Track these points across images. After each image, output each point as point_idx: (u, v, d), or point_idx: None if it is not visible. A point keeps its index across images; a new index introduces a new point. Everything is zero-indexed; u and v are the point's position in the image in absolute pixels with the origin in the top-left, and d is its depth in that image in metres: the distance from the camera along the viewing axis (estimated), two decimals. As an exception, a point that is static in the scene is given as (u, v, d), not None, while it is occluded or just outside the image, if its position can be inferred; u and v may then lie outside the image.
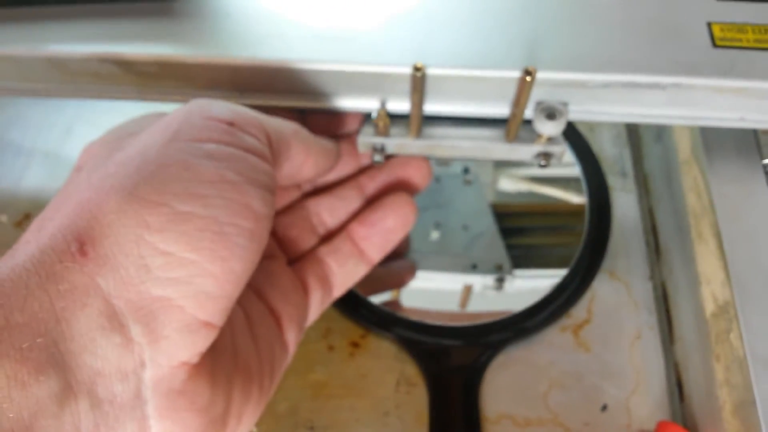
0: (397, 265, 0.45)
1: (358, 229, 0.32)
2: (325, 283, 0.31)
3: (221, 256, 0.20)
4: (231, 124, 0.23)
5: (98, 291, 0.19)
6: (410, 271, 0.45)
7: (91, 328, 0.19)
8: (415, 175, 0.34)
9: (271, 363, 0.26)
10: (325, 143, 0.30)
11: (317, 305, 0.31)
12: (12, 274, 0.19)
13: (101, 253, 0.19)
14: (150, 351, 0.20)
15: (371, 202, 0.33)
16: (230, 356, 0.23)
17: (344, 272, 0.32)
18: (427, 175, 0.34)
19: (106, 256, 0.19)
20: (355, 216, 0.33)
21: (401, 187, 0.34)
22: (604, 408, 0.44)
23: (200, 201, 0.20)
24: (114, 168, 0.21)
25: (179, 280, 0.20)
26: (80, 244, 0.19)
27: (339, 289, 0.32)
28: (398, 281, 0.45)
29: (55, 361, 0.18)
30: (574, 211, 0.50)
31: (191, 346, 0.20)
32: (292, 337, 0.28)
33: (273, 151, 0.24)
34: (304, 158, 0.28)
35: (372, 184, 0.34)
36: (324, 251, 0.32)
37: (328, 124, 0.34)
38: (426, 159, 0.34)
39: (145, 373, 0.20)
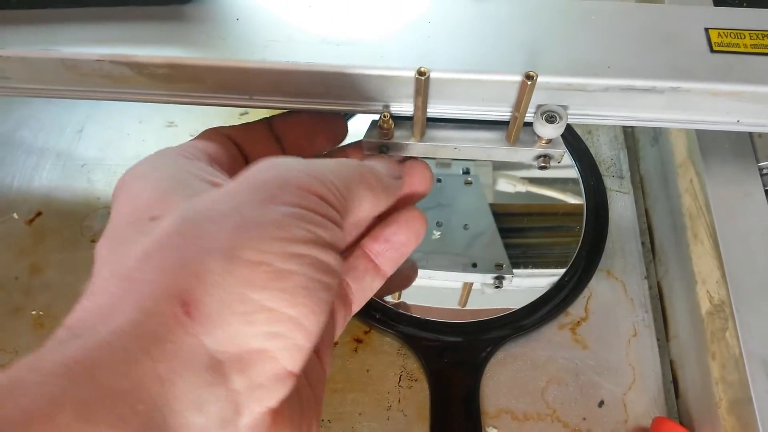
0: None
1: (372, 245, 0.32)
2: (346, 301, 0.31)
3: (313, 311, 0.21)
4: (321, 198, 0.23)
5: (203, 349, 0.20)
6: (413, 271, 0.46)
7: (196, 386, 0.19)
8: (420, 183, 0.34)
9: (319, 393, 0.27)
10: (389, 183, 0.30)
11: (341, 324, 0.31)
12: (112, 338, 0.19)
13: (205, 312, 0.20)
14: (246, 399, 0.21)
15: (380, 215, 0.34)
16: (297, 398, 0.24)
17: (361, 288, 0.32)
18: (430, 182, 0.34)
19: (210, 314, 0.20)
20: (367, 231, 0.33)
21: (407, 197, 0.34)
22: (601, 404, 0.44)
23: (297, 260, 0.21)
24: (208, 225, 0.21)
25: (278, 335, 0.21)
26: (184, 306, 0.20)
27: (357, 305, 0.32)
28: (403, 282, 0.46)
29: (157, 426, 0.18)
30: (572, 212, 0.51)
31: (277, 394, 0.21)
32: (327, 362, 0.29)
33: (344, 216, 0.26)
34: (369, 211, 0.29)
35: None
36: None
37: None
38: (428, 167, 0.34)
39: (241, 421, 0.21)
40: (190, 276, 0.20)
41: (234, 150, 0.31)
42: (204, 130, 0.32)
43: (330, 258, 0.23)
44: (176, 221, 0.22)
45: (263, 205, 0.22)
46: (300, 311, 0.21)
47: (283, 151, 0.33)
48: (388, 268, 0.32)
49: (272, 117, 0.34)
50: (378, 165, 0.30)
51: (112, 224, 0.24)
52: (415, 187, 0.34)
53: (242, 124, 0.33)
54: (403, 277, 0.45)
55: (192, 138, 0.31)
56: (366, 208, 0.28)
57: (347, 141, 0.36)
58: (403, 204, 0.33)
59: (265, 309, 0.20)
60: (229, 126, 0.32)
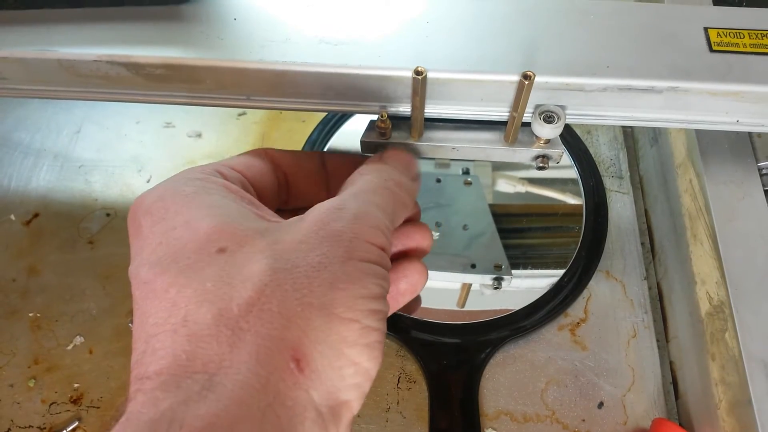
0: None
1: None
2: None
3: (380, 360, 0.23)
4: (383, 249, 0.25)
5: (312, 403, 0.21)
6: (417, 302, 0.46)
7: None
8: (422, 241, 0.35)
9: None
10: (413, 191, 0.31)
11: None
12: (243, 394, 0.20)
13: (313, 368, 0.21)
14: None
15: None
16: None
17: None
18: (431, 241, 0.35)
19: (316, 370, 0.21)
20: None
21: (412, 251, 0.35)
22: (601, 405, 0.44)
23: (375, 316, 0.23)
24: (302, 278, 0.22)
25: (358, 386, 0.23)
26: (297, 361, 0.21)
27: None
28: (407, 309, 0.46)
29: None
30: (572, 212, 0.51)
31: None
32: None
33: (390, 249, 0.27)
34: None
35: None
36: None
37: None
38: (428, 228, 0.35)
39: None
40: (297, 331, 0.21)
41: (273, 175, 0.31)
42: (252, 149, 0.31)
43: (387, 307, 0.25)
44: (267, 269, 0.22)
45: (345, 262, 0.23)
46: (374, 363, 0.23)
47: (328, 189, 0.33)
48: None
49: (326, 154, 0.34)
50: (398, 168, 0.30)
51: (164, 247, 0.24)
52: (418, 244, 0.34)
53: (294, 153, 0.33)
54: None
55: (234, 156, 0.30)
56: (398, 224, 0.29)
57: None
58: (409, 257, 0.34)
59: (352, 363, 0.22)
60: (280, 151, 0.32)
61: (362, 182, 0.28)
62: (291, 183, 0.32)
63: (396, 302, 0.33)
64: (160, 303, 0.22)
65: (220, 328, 0.21)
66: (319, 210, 0.25)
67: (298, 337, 0.21)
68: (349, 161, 0.34)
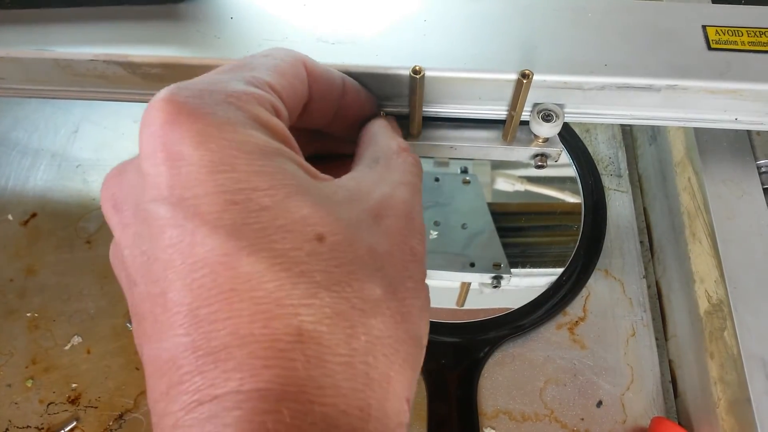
0: None
1: None
2: None
3: None
4: None
5: None
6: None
7: None
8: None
9: None
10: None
11: None
12: None
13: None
14: None
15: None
16: None
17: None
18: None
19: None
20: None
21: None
22: (600, 404, 0.44)
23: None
24: (406, 308, 0.21)
25: None
26: (408, 401, 0.20)
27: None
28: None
29: None
30: (570, 211, 0.51)
31: None
32: None
33: None
34: None
35: None
36: None
37: None
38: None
39: None
40: (411, 372, 0.21)
41: (305, 99, 0.26)
42: (295, 57, 0.25)
43: None
44: (385, 300, 0.20)
45: (423, 287, 0.22)
46: None
47: (334, 118, 0.28)
48: None
49: (347, 85, 0.28)
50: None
51: (239, 212, 0.18)
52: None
53: (325, 74, 0.26)
54: None
55: (278, 67, 0.24)
56: None
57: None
58: None
59: None
60: (318, 69, 0.26)
61: (405, 173, 0.25)
62: (310, 107, 0.26)
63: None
64: (243, 295, 0.17)
65: (354, 359, 0.19)
66: (395, 213, 0.22)
67: (410, 379, 0.21)
68: (364, 102, 0.30)
